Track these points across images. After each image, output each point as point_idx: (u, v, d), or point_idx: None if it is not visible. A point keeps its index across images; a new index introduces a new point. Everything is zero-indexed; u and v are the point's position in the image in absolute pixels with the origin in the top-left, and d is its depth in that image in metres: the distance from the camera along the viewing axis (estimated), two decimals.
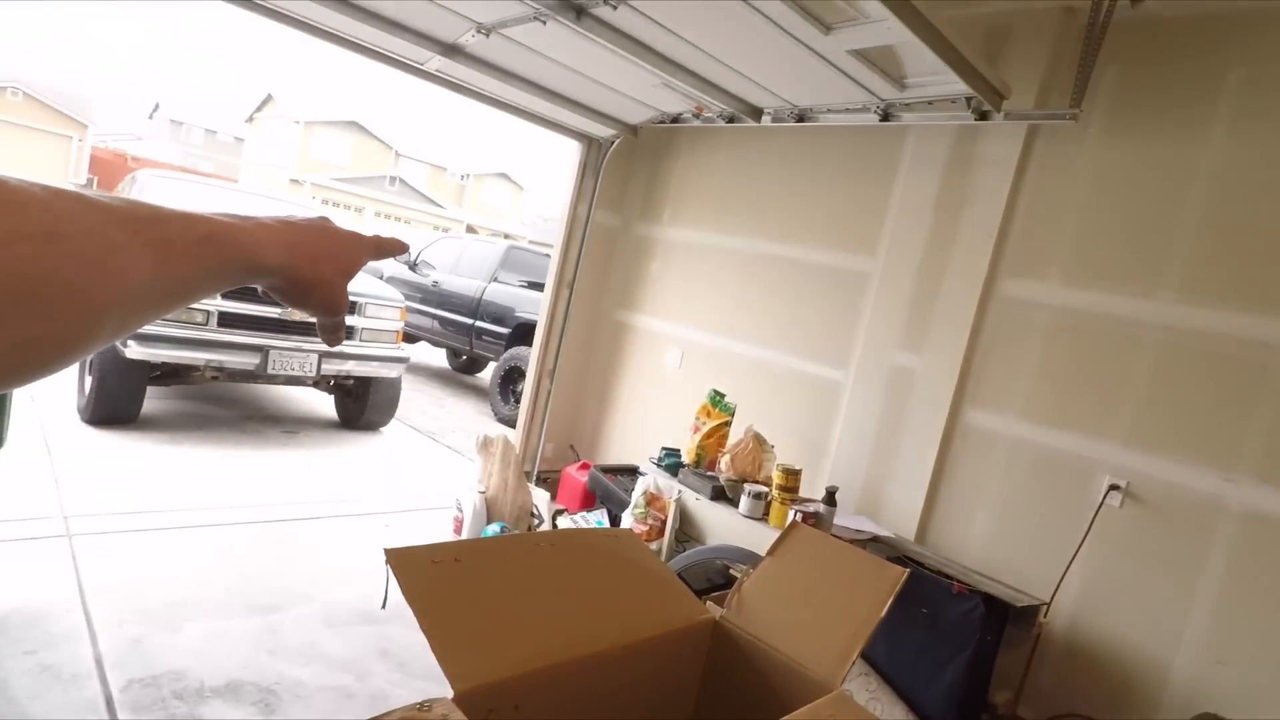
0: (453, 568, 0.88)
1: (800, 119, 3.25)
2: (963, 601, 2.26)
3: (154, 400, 4.89)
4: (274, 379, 4.68)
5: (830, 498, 2.55)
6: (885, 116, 2.92)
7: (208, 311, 4.35)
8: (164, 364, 4.33)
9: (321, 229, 0.56)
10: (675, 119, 3.90)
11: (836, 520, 2.56)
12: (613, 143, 4.25)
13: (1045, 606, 2.49)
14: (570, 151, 4.42)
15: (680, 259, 4.18)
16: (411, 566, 0.85)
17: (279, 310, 4.57)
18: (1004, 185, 2.79)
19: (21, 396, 4.31)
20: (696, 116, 3.71)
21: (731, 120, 3.49)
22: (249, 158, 40.98)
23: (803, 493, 2.73)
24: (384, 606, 0.80)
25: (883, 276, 3.17)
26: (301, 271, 0.53)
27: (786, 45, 2.50)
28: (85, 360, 4.56)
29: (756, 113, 3.40)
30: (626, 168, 4.39)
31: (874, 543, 2.65)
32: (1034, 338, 2.72)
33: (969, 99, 2.65)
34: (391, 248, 0.64)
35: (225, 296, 4.39)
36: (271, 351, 4.51)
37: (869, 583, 1.05)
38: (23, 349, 0.35)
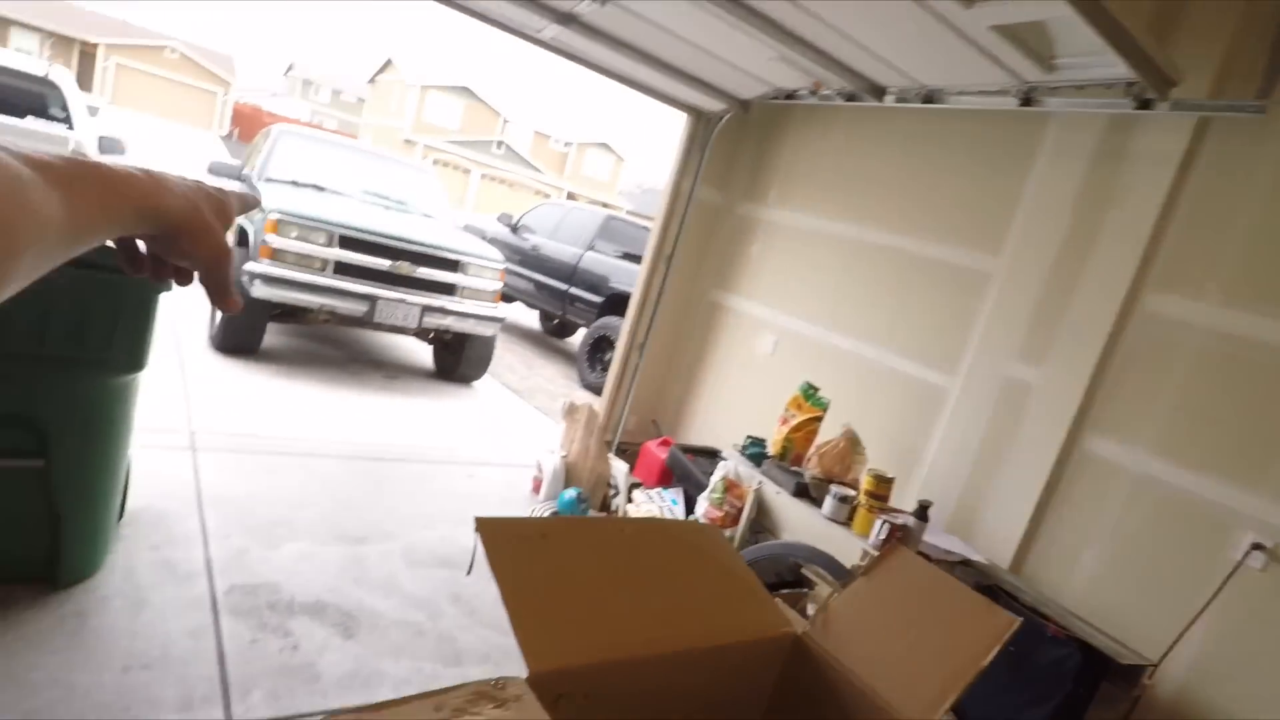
0: (539, 544, 0.87)
1: (927, 100, 3.05)
2: (1056, 646, 2.09)
3: (273, 336, 5.21)
4: (379, 326, 4.90)
5: (923, 512, 2.42)
6: (1026, 101, 2.68)
7: (326, 259, 4.58)
8: (284, 303, 4.60)
9: (199, 184, 0.58)
10: (790, 95, 3.75)
11: (925, 537, 2.44)
12: (722, 118, 4.15)
13: (1152, 668, 2.23)
14: (677, 124, 4.35)
15: (782, 242, 4.06)
16: (500, 538, 0.85)
17: (389, 263, 4.76)
18: (1162, 185, 2.47)
19: (163, 324, 4.69)
20: (813, 94, 3.56)
21: (851, 99, 3.32)
22: (368, 118, 42.89)
23: (891, 502, 2.62)
24: (469, 573, 0.80)
25: (1005, 278, 2.95)
26: (194, 218, 0.55)
27: (921, 19, 2.32)
28: None
29: (879, 91, 3.22)
30: (734, 144, 4.28)
31: (963, 566, 2.51)
32: (1180, 363, 2.41)
33: (1130, 84, 2.36)
34: (250, 203, 0.69)
35: (343, 247, 4.61)
36: (379, 301, 4.71)
37: (973, 626, 0.98)
38: None
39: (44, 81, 5.15)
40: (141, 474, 2.61)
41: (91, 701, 1.75)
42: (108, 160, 0.47)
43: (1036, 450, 2.68)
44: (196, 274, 0.60)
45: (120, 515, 2.41)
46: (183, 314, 5.16)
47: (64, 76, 5.22)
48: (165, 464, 3.02)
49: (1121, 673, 2.13)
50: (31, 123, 4.20)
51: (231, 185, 5.54)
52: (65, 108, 5.01)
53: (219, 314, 4.72)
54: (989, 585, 2.38)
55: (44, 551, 2.05)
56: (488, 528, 0.87)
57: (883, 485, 2.54)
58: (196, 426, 3.50)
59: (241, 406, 3.96)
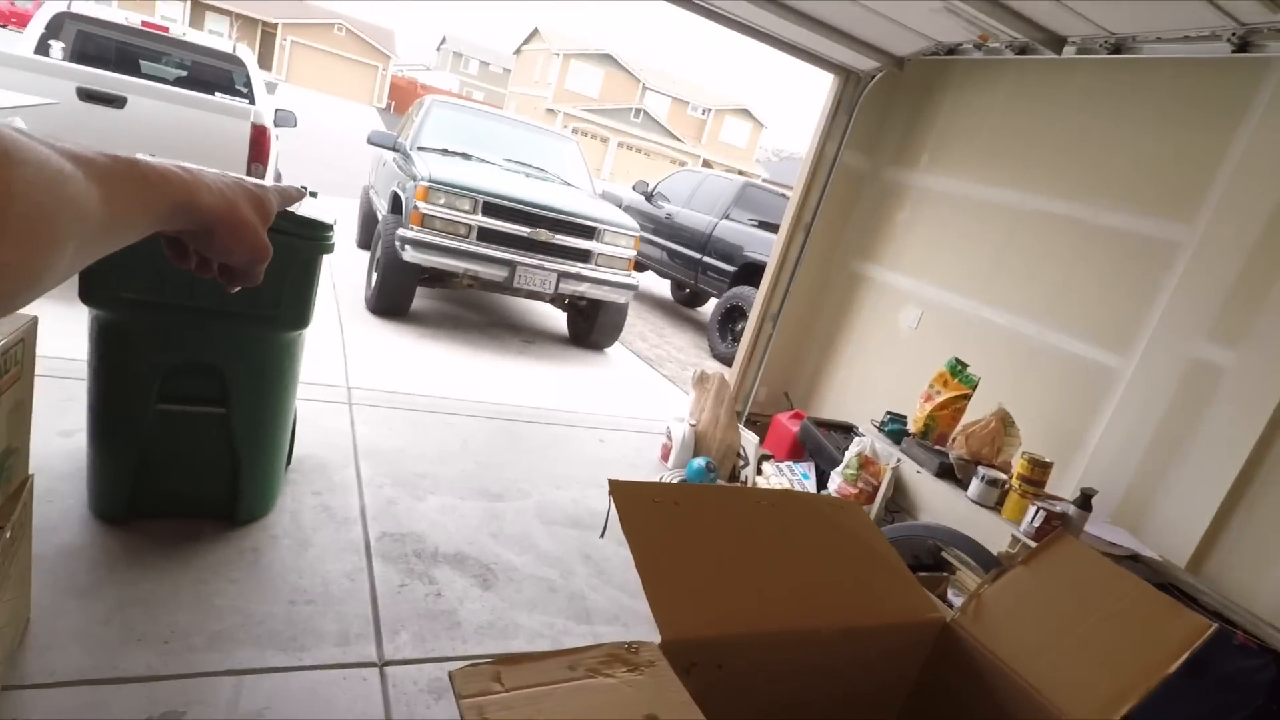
0: (673, 510, 0.85)
1: (1116, 50, 2.72)
2: (1247, 656, 1.86)
3: (421, 299, 5.55)
4: (518, 291, 5.09)
5: (1085, 500, 2.21)
6: (1241, 46, 2.33)
7: (470, 225, 4.79)
8: (431, 269, 4.87)
9: (239, 180, 0.58)
10: (951, 50, 3.47)
11: (1087, 528, 2.22)
12: (874, 77, 3.91)
13: None
14: (823, 87, 4.14)
15: (933, 209, 3.79)
16: (633, 502, 0.84)
17: (528, 229, 4.91)
18: None
19: (326, 288, 5.12)
20: (978, 47, 3.27)
21: (1022, 51, 3.02)
22: (512, 88, 44.35)
23: (1048, 489, 2.41)
24: (602, 536, 0.79)
25: (1198, 247, 2.60)
26: (230, 215, 0.54)
27: None
28: (372, 258, 5.28)
29: (1057, 42, 2.90)
30: (885, 105, 4.02)
31: (1131, 561, 2.27)
32: None
33: None
34: (291, 196, 0.68)
35: (485, 213, 4.80)
36: (519, 267, 4.87)
37: (1156, 628, 0.87)
38: None
39: (231, 59, 5.71)
40: (305, 424, 2.86)
41: (265, 629, 1.95)
42: (147, 158, 0.48)
43: (1228, 439, 2.37)
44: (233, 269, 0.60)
45: (288, 462, 2.65)
46: (343, 279, 5.60)
47: (247, 55, 5.76)
48: (326, 416, 3.30)
49: None
50: (220, 98, 4.65)
51: (392, 154, 5.91)
52: (248, 84, 5.53)
53: (375, 278, 5.06)
54: (1163, 584, 2.14)
55: (225, 492, 2.29)
56: (621, 491, 0.87)
57: (1039, 470, 2.34)
58: (353, 383, 3.79)
59: (392, 365, 4.25)
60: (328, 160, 12.96)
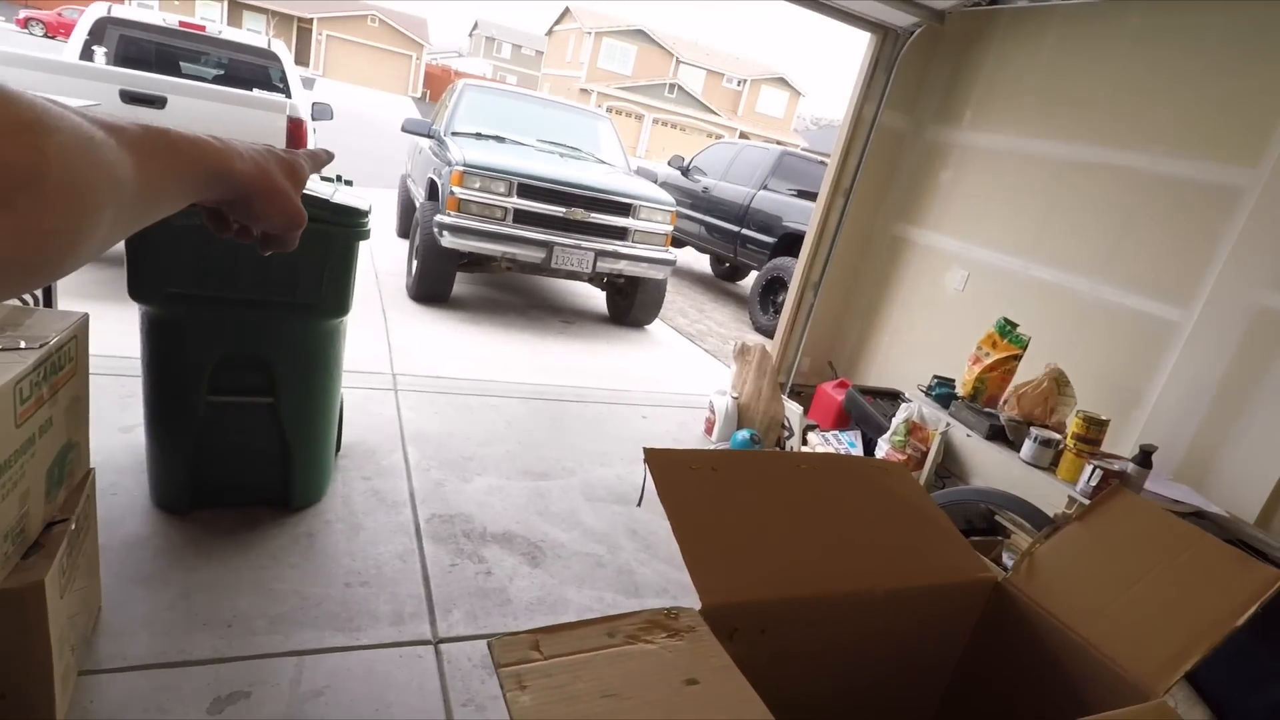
0: (709, 477, 0.84)
1: None
2: None
3: (460, 285, 5.60)
4: (556, 272, 5.10)
5: (1145, 457, 2.12)
6: None
7: (505, 208, 4.80)
8: (470, 253, 4.91)
9: (269, 147, 0.57)
10: (994, 0, 3.31)
11: (1148, 485, 2.14)
12: (912, 33, 3.77)
13: None
14: (859, 48, 4.02)
15: (977, 168, 3.66)
16: (669, 469, 0.83)
17: (563, 209, 4.90)
18: None
19: (368, 277, 5.22)
20: None
21: None
22: (545, 70, 44.20)
23: (1104, 448, 2.32)
24: (639, 504, 0.79)
25: (1264, 192, 2.46)
26: (264, 181, 0.54)
27: None
28: (411, 245, 5.36)
29: None
30: (925, 63, 3.88)
31: (1197, 518, 2.18)
32: None
33: None
34: (322, 160, 0.68)
35: (520, 195, 4.80)
36: (555, 247, 4.88)
37: (1222, 580, 0.82)
38: (35, 239, 0.34)
39: (267, 54, 5.82)
40: (353, 411, 2.92)
41: (323, 611, 2.01)
42: (177, 128, 0.48)
43: None
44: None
45: (338, 449, 2.71)
46: (385, 268, 5.69)
47: (282, 50, 5.85)
48: (373, 402, 3.36)
49: None
50: (257, 94, 4.74)
51: (427, 141, 5.95)
52: (284, 79, 5.62)
53: (414, 266, 5.13)
54: (1230, 539, 2.05)
55: (279, 479, 2.35)
56: (657, 459, 0.86)
57: (1095, 428, 2.25)
58: (398, 369, 3.86)
59: (435, 351, 4.31)
60: (366, 151, 13.15)
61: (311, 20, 37.22)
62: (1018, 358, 2.76)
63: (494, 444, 3.24)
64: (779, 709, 0.60)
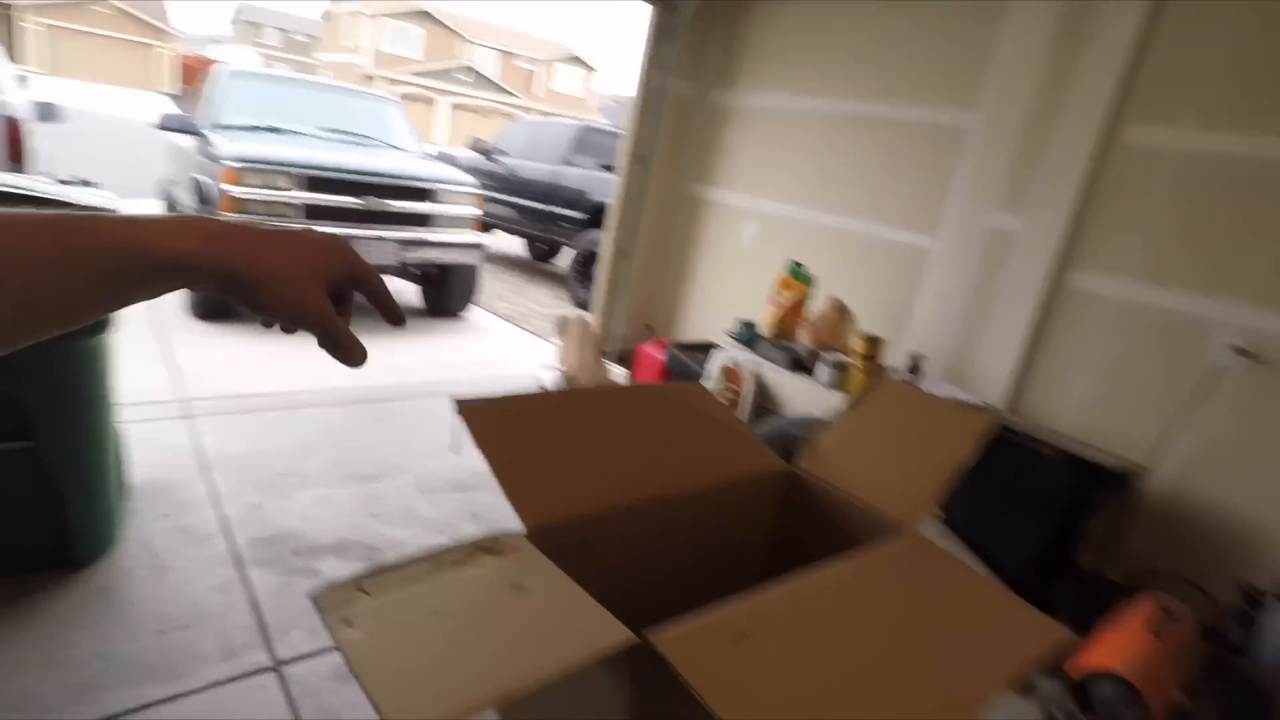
0: (520, 416, 0.87)
1: None
2: (1052, 466, 2.17)
3: None
4: None
5: (915, 365, 2.45)
6: None
7: (293, 204, 4.46)
8: None
9: (289, 228, 0.50)
10: None
11: (921, 387, 2.47)
12: (690, 2, 3.95)
13: (1145, 471, 2.36)
14: (644, 19, 4.15)
15: (758, 127, 3.95)
16: (482, 416, 0.85)
17: (360, 201, 4.64)
18: (1137, 14, 2.41)
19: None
20: None
21: None
22: (323, 57, 41.07)
23: (885, 361, 2.64)
24: (452, 449, 0.80)
25: (983, 131, 2.88)
26: (228, 263, 0.45)
27: None
28: None
29: None
30: (703, 31, 4.09)
31: None
32: (1157, 190, 2.43)
33: None
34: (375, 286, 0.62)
35: (311, 188, 4.48)
36: (355, 241, 4.61)
37: (953, 428, 1.00)
38: None
39: None
40: (140, 447, 2.60)
41: (137, 666, 1.80)
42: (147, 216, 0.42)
43: (1022, 294, 2.71)
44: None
45: (123, 490, 2.41)
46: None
47: None
48: (161, 434, 3.02)
49: (1117, 480, 2.23)
50: None
51: (188, 139, 5.35)
52: None
53: None
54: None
55: (52, 536, 2.04)
56: (469, 409, 0.88)
57: (872, 345, 2.56)
58: (188, 393, 3.49)
59: (231, 368, 3.94)
60: (116, 155, 11.54)
61: (10, 6, 31.42)
62: (807, 294, 3.04)
63: (313, 455, 3.05)
64: (608, 605, 0.65)
